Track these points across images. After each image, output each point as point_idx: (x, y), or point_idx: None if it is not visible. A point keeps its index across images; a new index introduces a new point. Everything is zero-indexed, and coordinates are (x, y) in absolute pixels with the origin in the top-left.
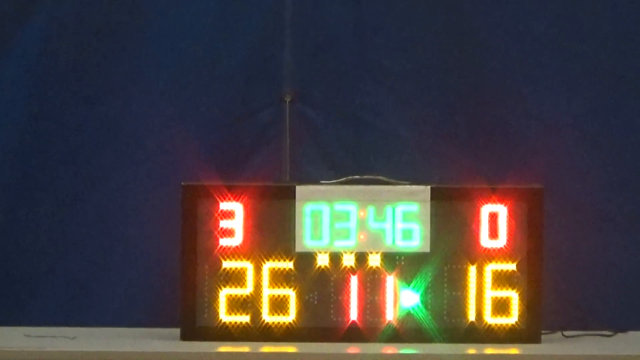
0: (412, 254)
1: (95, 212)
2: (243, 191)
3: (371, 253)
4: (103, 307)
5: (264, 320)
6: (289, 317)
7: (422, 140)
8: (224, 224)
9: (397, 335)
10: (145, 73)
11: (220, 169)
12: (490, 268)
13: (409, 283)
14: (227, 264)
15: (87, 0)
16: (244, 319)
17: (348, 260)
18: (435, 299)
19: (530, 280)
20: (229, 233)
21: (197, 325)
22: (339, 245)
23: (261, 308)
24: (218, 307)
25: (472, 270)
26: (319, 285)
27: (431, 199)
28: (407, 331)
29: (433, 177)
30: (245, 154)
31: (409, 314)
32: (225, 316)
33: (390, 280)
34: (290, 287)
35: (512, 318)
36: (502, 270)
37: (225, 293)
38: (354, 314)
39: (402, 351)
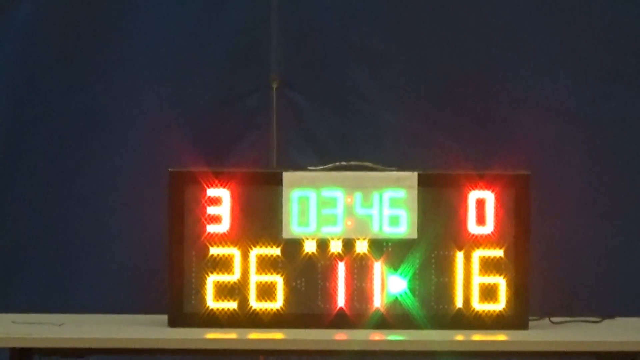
0: (400, 241)
1: (82, 199)
2: (230, 177)
3: (358, 239)
4: (90, 294)
5: (251, 307)
6: (277, 303)
7: (409, 126)
8: (211, 210)
9: (384, 321)
10: (131, 59)
11: (207, 155)
12: (478, 254)
13: (396, 269)
14: (215, 251)
15: None
16: (232, 305)
17: (335, 247)
18: (423, 286)
19: (517, 267)
20: (216, 219)
21: (185, 311)
22: (326, 231)
23: (248, 294)
24: (205, 294)
25: (459, 256)
26: (306, 272)
27: (418, 185)
28: (395, 317)
29: (420, 163)
30: (232, 140)
31: (396, 301)
32: (212, 302)
33: (378, 267)
34: (277, 274)
35: (499, 304)
36: (489, 257)
37: (212, 279)
38: (341, 301)
39: (390, 337)
